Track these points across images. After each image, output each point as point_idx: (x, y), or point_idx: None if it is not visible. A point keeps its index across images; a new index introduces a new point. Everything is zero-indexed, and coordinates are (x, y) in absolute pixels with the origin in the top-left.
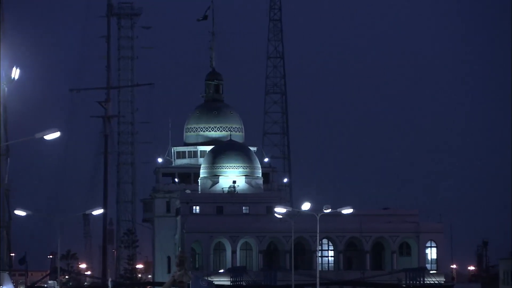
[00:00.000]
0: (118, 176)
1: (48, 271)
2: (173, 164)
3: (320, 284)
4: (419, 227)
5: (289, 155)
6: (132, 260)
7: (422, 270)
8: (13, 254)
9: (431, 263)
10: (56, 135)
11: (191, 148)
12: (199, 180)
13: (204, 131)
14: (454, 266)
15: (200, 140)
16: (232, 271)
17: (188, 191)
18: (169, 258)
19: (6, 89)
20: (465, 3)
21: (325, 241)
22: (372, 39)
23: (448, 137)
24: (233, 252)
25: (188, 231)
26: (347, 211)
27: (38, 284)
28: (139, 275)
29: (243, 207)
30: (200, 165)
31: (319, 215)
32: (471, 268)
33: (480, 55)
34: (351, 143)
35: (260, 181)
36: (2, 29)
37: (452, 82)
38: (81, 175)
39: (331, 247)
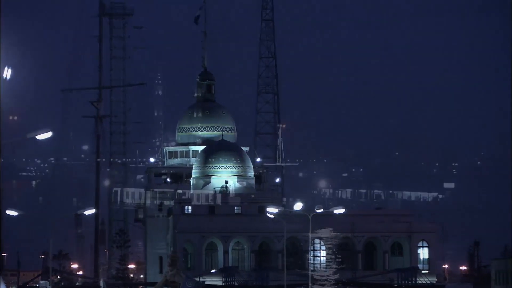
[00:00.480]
0: (110, 176)
1: (40, 271)
2: (165, 164)
3: (312, 284)
4: (411, 227)
5: (282, 154)
6: (124, 260)
7: (414, 270)
8: (4, 254)
9: (423, 263)
10: (48, 135)
11: (183, 148)
12: (191, 180)
13: (196, 131)
14: (446, 266)
15: (192, 140)
16: (224, 271)
17: (180, 191)
18: (161, 258)
19: None
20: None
21: (317, 241)
22: (368, 39)
23: (446, 138)
24: (225, 252)
25: (180, 231)
26: (339, 211)
27: (30, 284)
28: (131, 275)
29: (235, 207)
30: (192, 165)
31: (311, 215)
32: (463, 268)
33: (480, 59)
34: (345, 143)
35: (252, 181)
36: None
37: (451, 83)
38: (73, 175)
39: (323, 247)
